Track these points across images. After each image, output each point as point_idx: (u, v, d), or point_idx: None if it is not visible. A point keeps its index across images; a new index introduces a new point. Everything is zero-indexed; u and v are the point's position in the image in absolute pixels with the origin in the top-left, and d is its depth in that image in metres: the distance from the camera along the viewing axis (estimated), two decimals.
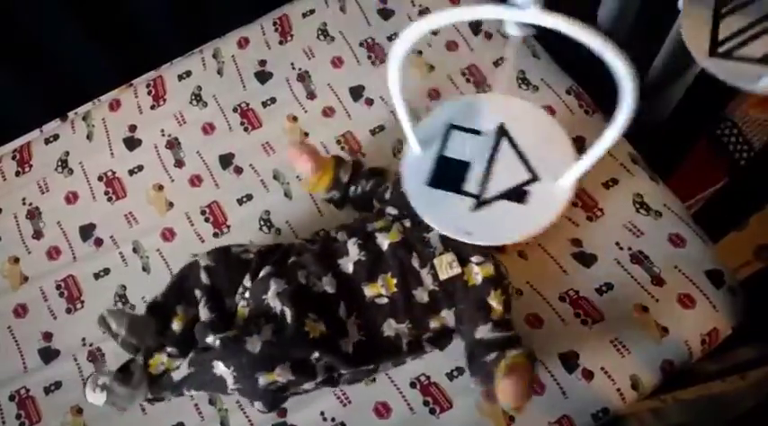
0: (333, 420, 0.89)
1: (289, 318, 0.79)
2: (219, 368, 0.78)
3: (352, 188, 0.93)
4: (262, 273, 0.84)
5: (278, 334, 0.79)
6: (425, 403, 0.89)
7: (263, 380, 0.77)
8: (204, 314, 0.83)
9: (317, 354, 0.79)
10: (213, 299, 0.84)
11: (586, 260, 0.95)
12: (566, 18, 0.35)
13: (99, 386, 0.77)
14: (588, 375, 0.88)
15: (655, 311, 0.91)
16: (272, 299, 0.80)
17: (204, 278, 0.84)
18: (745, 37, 0.57)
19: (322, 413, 0.89)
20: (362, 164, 0.96)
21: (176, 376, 0.81)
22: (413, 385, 0.90)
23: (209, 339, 0.78)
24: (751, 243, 1.32)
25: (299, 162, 0.93)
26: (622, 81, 0.38)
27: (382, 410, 0.89)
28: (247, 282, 0.85)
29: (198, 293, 0.84)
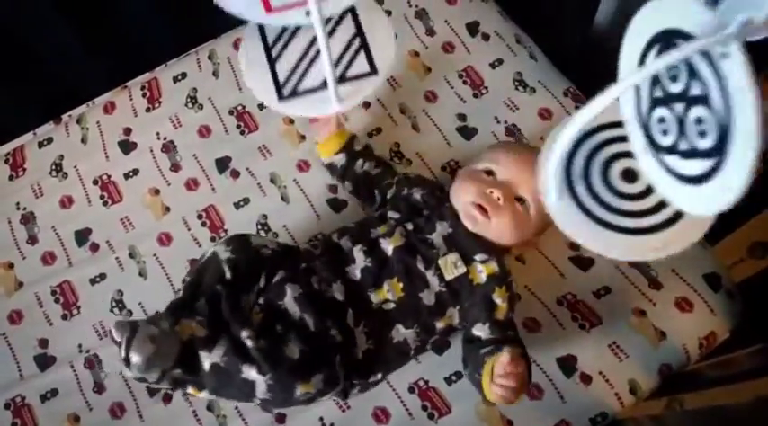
0: (332, 425, 0.89)
1: (311, 325, 0.79)
2: (251, 373, 0.73)
3: (360, 161, 0.95)
4: (276, 277, 0.83)
5: (309, 341, 0.77)
6: (424, 408, 0.89)
7: (299, 391, 0.75)
8: (226, 311, 0.79)
9: (338, 359, 0.79)
10: (233, 295, 0.80)
11: (584, 263, 0.95)
12: None
13: (149, 336, 0.68)
14: (586, 379, 0.89)
15: (652, 315, 0.91)
16: (290, 304, 0.80)
17: (227, 271, 0.80)
18: (300, 72, 0.57)
19: (321, 419, 0.89)
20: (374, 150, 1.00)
21: (206, 357, 0.73)
22: (411, 390, 0.90)
23: (243, 334, 0.74)
24: (745, 240, 1.32)
25: (323, 126, 0.96)
26: None
27: (381, 415, 0.89)
28: (262, 282, 0.83)
29: (219, 288, 0.79)
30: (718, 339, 0.92)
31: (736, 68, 0.35)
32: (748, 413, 0.74)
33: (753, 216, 0.97)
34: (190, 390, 0.76)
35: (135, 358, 0.68)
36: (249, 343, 0.74)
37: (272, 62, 0.63)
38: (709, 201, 0.40)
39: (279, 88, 0.60)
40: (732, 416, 0.76)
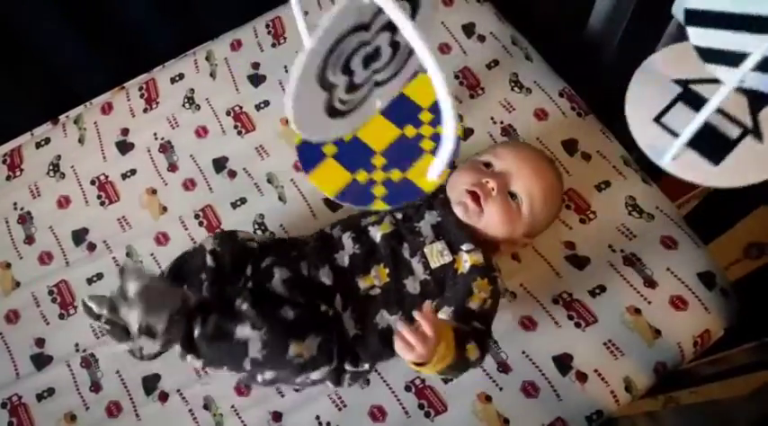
0: (328, 424, 0.89)
1: (302, 303, 0.80)
2: (244, 331, 0.75)
3: None
4: (265, 263, 0.84)
5: (301, 310, 0.78)
6: (420, 407, 0.89)
7: (292, 349, 0.76)
8: (212, 291, 0.81)
9: (335, 334, 0.80)
10: (216, 283, 0.82)
11: (580, 262, 0.96)
12: None
13: (142, 272, 0.70)
14: (582, 377, 0.89)
15: (647, 313, 0.92)
16: (278, 287, 0.81)
17: (210, 261, 0.82)
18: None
19: (317, 417, 0.89)
20: None
21: (197, 326, 0.75)
22: (408, 388, 0.90)
23: (237, 301, 0.76)
24: (740, 240, 1.32)
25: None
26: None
27: (377, 413, 0.89)
28: (248, 271, 0.85)
29: (203, 276, 0.82)
30: (712, 337, 0.92)
31: None
32: (742, 408, 0.74)
33: (746, 214, 0.97)
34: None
35: (132, 286, 0.67)
36: (244, 306, 0.75)
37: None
38: None
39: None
40: (727, 409, 0.76)
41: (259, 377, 0.81)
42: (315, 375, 0.81)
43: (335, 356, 0.80)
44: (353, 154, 0.51)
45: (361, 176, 0.50)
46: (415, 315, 0.69)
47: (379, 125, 0.51)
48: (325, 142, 0.50)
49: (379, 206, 0.50)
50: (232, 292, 0.79)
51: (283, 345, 0.76)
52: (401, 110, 0.51)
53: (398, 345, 0.69)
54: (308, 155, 0.51)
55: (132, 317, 0.69)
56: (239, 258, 0.84)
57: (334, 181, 0.51)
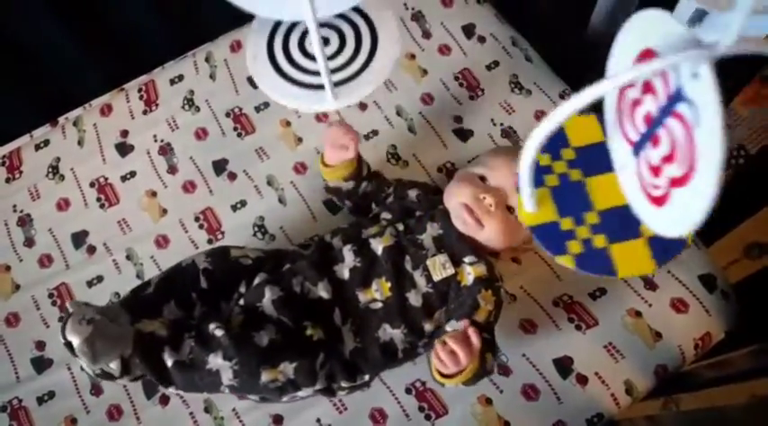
0: None
1: (289, 325, 0.79)
2: (216, 361, 0.73)
3: (365, 183, 0.93)
4: (256, 280, 0.84)
5: (283, 334, 0.77)
6: (421, 409, 0.89)
7: (265, 376, 0.75)
8: (199, 312, 0.81)
9: (321, 357, 0.79)
10: (209, 304, 0.82)
11: None
12: None
13: (86, 319, 0.67)
14: (582, 380, 0.89)
15: (648, 316, 0.92)
16: (268, 307, 0.80)
17: (203, 282, 0.81)
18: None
19: (318, 420, 0.89)
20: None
21: (170, 355, 0.73)
22: (408, 391, 0.90)
23: (211, 326, 0.75)
24: (740, 240, 1.32)
25: (341, 147, 0.87)
26: None
27: (378, 416, 0.89)
28: (242, 288, 0.84)
29: (194, 296, 0.81)
30: (713, 339, 0.92)
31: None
32: (744, 414, 0.74)
33: (748, 216, 0.97)
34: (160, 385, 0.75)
35: (74, 339, 0.66)
36: (218, 333, 0.74)
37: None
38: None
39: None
40: (728, 417, 0.76)
41: (245, 395, 0.81)
42: (300, 393, 0.80)
43: (321, 378, 0.79)
44: (619, 222, 0.46)
45: (648, 231, 0.46)
46: (469, 331, 0.73)
47: (610, 182, 0.47)
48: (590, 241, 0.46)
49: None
50: (214, 315, 0.78)
51: (255, 373, 0.74)
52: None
53: (445, 358, 0.71)
54: (594, 264, 0.47)
55: (85, 365, 0.69)
56: (232, 276, 0.83)
57: (639, 258, 0.47)
